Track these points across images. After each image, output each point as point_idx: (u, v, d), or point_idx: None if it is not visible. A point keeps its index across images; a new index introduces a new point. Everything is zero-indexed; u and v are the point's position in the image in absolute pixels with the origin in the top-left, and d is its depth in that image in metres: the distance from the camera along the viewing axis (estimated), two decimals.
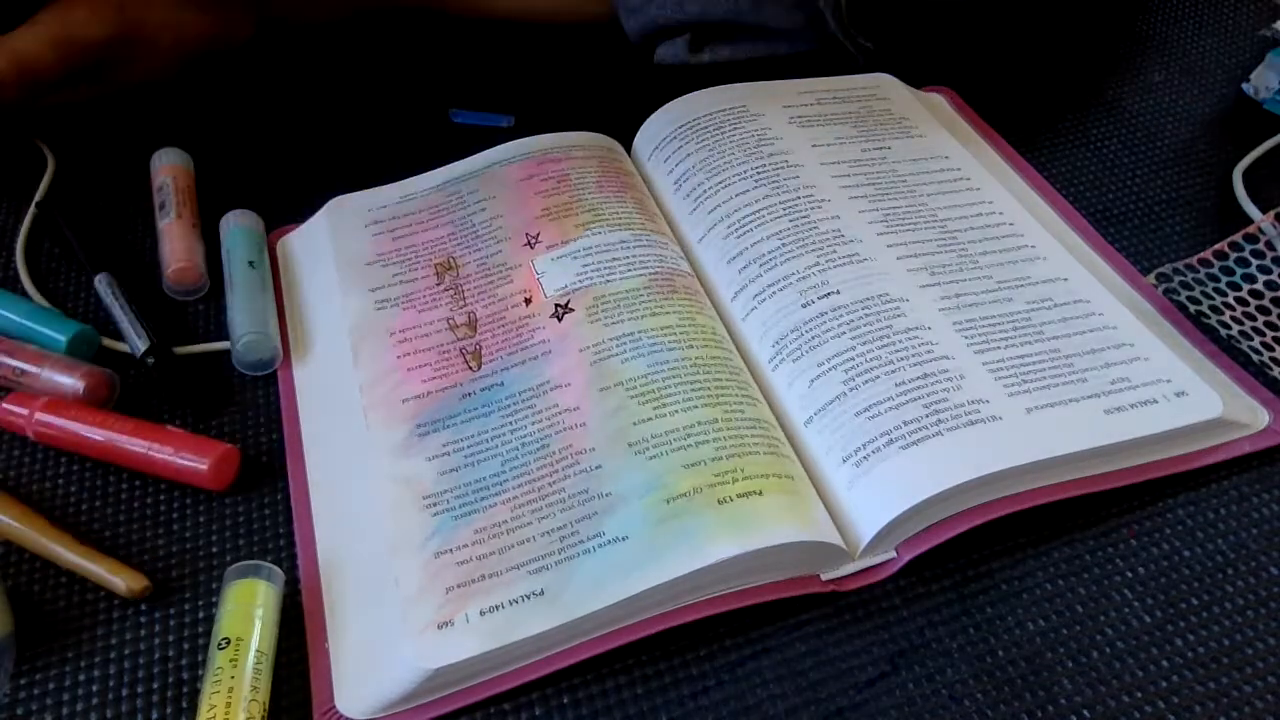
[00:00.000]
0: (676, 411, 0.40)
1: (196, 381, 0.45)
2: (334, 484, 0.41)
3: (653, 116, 0.55)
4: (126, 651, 0.37)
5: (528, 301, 0.45)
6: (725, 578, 0.36)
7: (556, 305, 0.44)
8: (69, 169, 0.55)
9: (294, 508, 0.41)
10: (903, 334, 0.43)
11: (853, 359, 0.42)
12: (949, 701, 0.35)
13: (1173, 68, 0.63)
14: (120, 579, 0.38)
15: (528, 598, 0.35)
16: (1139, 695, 0.36)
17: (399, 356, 0.44)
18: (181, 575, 0.39)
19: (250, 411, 0.44)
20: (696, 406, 0.40)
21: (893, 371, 0.41)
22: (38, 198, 0.53)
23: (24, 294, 0.48)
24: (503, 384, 0.42)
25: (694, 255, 0.49)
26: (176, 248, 0.49)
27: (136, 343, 0.45)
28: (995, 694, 0.36)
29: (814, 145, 0.52)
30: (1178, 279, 0.48)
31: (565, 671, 0.35)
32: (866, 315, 0.43)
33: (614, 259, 0.46)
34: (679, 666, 0.36)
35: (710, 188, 0.50)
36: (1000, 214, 0.50)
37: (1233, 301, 0.47)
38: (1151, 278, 0.49)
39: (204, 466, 0.40)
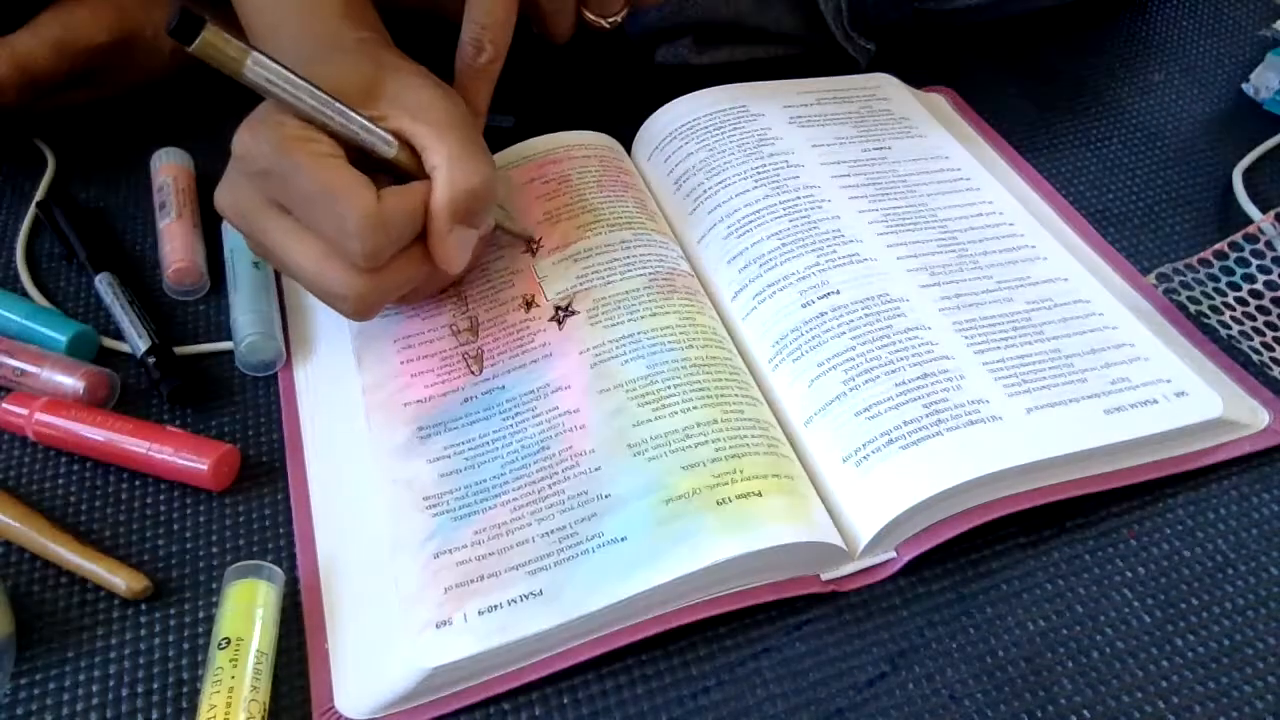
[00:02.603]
0: (676, 412, 0.40)
1: (197, 381, 0.45)
2: (334, 485, 0.41)
3: (653, 116, 0.55)
4: (126, 651, 0.37)
5: (529, 305, 0.45)
6: (725, 578, 0.36)
7: (557, 308, 0.44)
8: (69, 169, 0.56)
9: (294, 508, 0.41)
10: (903, 334, 0.43)
11: (853, 359, 0.42)
12: (949, 701, 0.35)
13: (1173, 68, 0.63)
14: (120, 579, 0.38)
15: (526, 598, 0.35)
16: (1139, 695, 0.36)
17: (402, 363, 0.44)
18: (181, 575, 0.39)
19: (250, 411, 0.44)
20: (696, 407, 0.40)
21: (893, 371, 0.41)
22: (38, 198, 0.53)
23: (24, 294, 0.49)
24: (504, 387, 0.42)
25: (694, 255, 0.49)
26: (177, 247, 0.49)
27: (137, 342, 0.45)
28: (995, 694, 0.36)
29: (814, 145, 0.52)
30: (1178, 279, 0.48)
31: (565, 671, 0.36)
32: (866, 315, 0.43)
33: (614, 259, 0.46)
34: (679, 666, 0.36)
35: (710, 188, 0.50)
36: (1000, 214, 0.50)
37: (1233, 301, 0.47)
38: (1151, 278, 0.49)
39: (204, 466, 0.40)
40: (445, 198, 0.38)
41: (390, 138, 0.39)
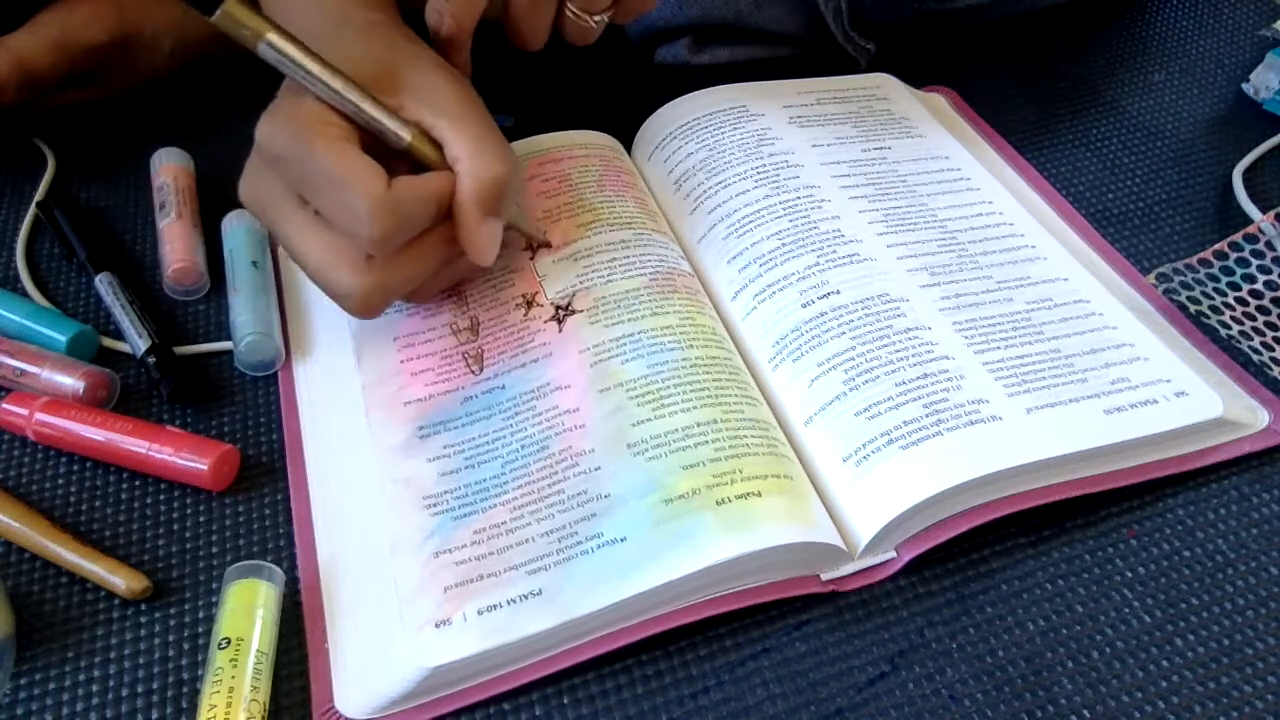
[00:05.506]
0: (676, 412, 0.40)
1: (197, 381, 0.45)
2: (334, 484, 0.41)
3: (653, 116, 0.55)
4: (126, 651, 0.37)
5: (529, 304, 0.45)
6: (724, 578, 0.36)
7: (557, 307, 0.44)
8: (69, 169, 0.56)
9: (294, 508, 0.41)
10: (903, 334, 0.43)
11: (853, 359, 0.42)
12: (949, 701, 0.35)
13: (1173, 68, 0.63)
14: (120, 579, 0.38)
15: (526, 598, 0.35)
16: (1139, 695, 0.36)
17: (403, 361, 0.44)
18: (181, 575, 0.39)
19: (250, 411, 0.44)
20: (696, 407, 0.40)
21: (893, 371, 0.41)
22: (38, 198, 0.53)
23: (24, 294, 0.48)
24: (504, 387, 0.42)
25: (694, 255, 0.49)
26: (176, 247, 0.49)
27: (137, 342, 0.45)
28: (995, 694, 0.36)
29: (814, 145, 0.52)
30: (1178, 279, 0.48)
31: (565, 671, 0.35)
32: (866, 315, 0.43)
33: (614, 259, 0.46)
34: (679, 666, 0.36)
35: (710, 188, 0.50)
36: (1000, 214, 0.50)
37: (1233, 301, 0.47)
38: (1151, 278, 0.49)
39: (204, 466, 0.40)
40: (473, 189, 0.38)
41: (404, 127, 0.39)
